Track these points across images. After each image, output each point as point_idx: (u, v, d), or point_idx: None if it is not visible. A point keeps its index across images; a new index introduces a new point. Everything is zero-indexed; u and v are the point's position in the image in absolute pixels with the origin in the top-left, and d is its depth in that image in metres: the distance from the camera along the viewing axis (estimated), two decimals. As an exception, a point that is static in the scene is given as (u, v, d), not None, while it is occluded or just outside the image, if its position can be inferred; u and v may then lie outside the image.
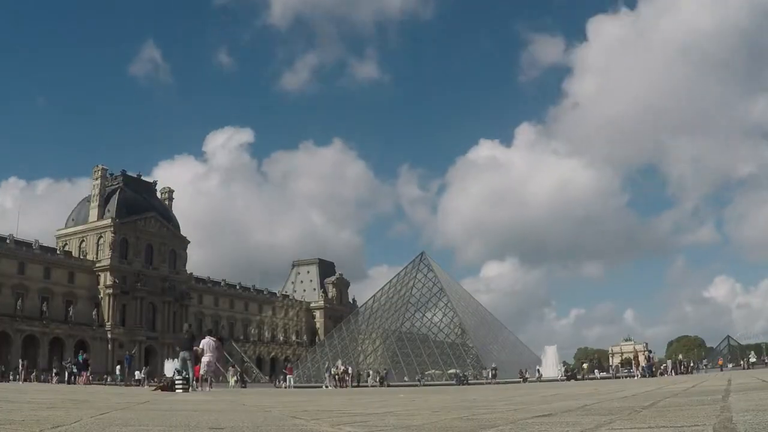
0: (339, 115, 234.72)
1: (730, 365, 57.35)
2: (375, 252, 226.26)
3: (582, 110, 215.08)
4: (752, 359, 53.55)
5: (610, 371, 66.38)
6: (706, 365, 61.01)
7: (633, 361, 46.97)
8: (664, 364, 55.36)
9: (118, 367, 52.67)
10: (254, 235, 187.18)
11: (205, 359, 19.55)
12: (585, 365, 71.04)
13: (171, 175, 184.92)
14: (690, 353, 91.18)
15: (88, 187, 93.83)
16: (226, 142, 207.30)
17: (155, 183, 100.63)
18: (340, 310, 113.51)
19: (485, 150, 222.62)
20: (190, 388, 17.73)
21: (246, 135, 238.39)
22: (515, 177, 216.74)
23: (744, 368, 49.85)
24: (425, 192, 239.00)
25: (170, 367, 46.63)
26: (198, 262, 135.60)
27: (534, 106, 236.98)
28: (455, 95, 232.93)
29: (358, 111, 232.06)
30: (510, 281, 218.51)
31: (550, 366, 58.23)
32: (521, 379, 48.05)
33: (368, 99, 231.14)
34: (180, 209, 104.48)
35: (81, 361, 37.41)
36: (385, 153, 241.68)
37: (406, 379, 54.01)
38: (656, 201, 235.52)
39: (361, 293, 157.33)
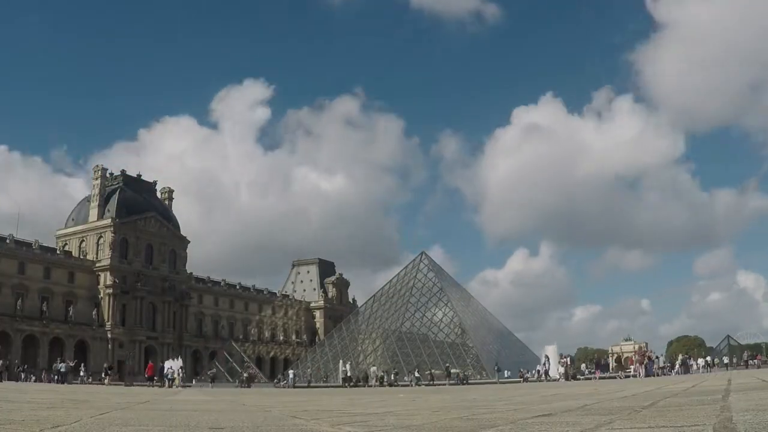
0: (368, 61, 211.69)
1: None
2: (408, 233, 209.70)
3: (665, 53, 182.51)
4: (726, 360, 52.47)
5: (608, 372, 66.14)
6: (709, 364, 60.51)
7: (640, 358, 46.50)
8: (667, 363, 55.10)
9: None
10: (272, 216, 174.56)
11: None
12: (583, 365, 70.89)
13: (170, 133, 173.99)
14: (690, 353, 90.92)
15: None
16: (234, 103, 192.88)
17: (155, 183, 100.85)
18: (340, 310, 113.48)
19: (539, 111, 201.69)
20: None
21: (264, 90, 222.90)
22: (564, 144, 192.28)
23: (735, 368, 49.36)
24: (466, 156, 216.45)
25: (169, 366, 46.65)
26: (207, 261, 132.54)
27: (608, 51, 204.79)
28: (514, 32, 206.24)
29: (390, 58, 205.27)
30: (537, 274, 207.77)
31: (550, 365, 58.03)
32: (521, 379, 47.79)
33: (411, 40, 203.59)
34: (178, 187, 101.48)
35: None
36: (422, 109, 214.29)
37: (406, 379, 53.95)
38: (722, 171, 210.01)
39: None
